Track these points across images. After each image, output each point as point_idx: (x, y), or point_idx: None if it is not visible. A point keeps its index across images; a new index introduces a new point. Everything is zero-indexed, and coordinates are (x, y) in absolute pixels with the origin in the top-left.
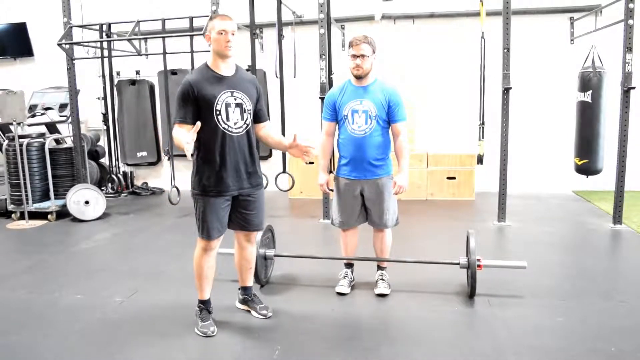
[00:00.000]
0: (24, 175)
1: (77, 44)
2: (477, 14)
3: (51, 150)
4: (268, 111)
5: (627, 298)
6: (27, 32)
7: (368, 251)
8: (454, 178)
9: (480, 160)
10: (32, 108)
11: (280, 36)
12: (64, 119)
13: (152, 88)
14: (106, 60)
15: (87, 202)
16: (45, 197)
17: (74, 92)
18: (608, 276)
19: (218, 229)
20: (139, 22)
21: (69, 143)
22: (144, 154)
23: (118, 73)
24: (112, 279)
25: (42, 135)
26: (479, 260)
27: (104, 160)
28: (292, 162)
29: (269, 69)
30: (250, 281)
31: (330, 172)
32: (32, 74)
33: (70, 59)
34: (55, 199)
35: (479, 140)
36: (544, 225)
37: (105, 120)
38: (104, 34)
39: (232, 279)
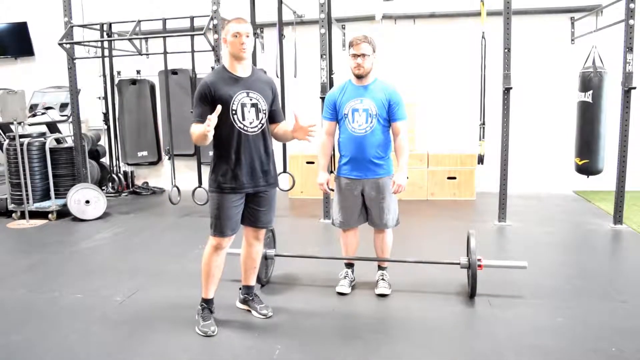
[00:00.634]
0: (24, 174)
1: (78, 43)
2: (478, 14)
3: (52, 150)
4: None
5: (627, 298)
6: (27, 31)
7: (368, 251)
8: (454, 178)
9: (480, 160)
10: (33, 107)
11: (281, 36)
12: (64, 118)
13: (152, 88)
14: (107, 60)
15: (87, 202)
16: (45, 196)
17: (74, 91)
18: (608, 276)
19: (231, 226)
20: (139, 21)
21: (69, 142)
22: (145, 153)
23: (119, 73)
24: (112, 278)
25: (42, 134)
26: (479, 260)
27: (105, 160)
28: (293, 162)
29: (269, 69)
30: (253, 280)
31: (331, 172)
32: (32, 73)
33: (71, 58)
34: (55, 198)
35: (480, 140)
36: (545, 225)
37: (106, 120)
38: (104, 33)
39: (233, 278)
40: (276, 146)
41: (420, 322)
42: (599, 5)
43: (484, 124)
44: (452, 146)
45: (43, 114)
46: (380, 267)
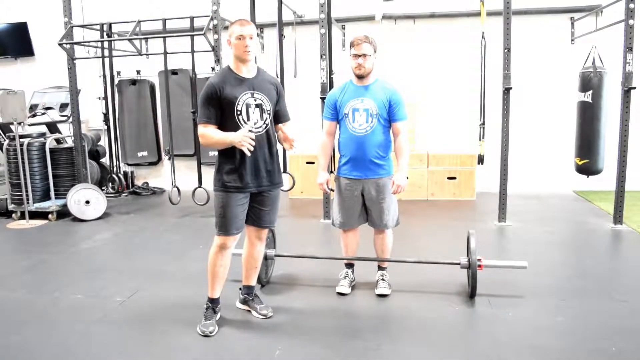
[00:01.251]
0: (24, 174)
1: (78, 43)
2: (478, 14)
3: (52, 150)
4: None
5: (627, 298)
6: (27, 31)
7: (368, 251)
8: (454, 178)
9: (480, 160)
10: (33, 108)
11: (281, 36)
12: (64, 118)
13: (152, 88)
14: (107, 60)
15: (87, 202)
16: (45, 196)
17: (74, 91)
18: (609, 276)
19: (236, 225)
20: (139, 22)
21: (69, 143)
22: (145, 153)
23: (119, 73)
24: (112, 278)
25: (42, 134)
26: (479, 260)
27: (105, 160)
28: (293, 162)
29: (269, 69)
30: (253, 280)
31: (331, 172)
32: (32, 73)
33: (71, 58)
34: (55, 198)
35: (480, 140)
36: (545, 225)
37: (106, 120)
38: (104, 33)
39: (233, 279)
40: (277, 146)
41: (420, 322)
42: (599, 6)
43: (484, 124)
44: (452, 146)
45: (43, 114)
46: (380, 268)
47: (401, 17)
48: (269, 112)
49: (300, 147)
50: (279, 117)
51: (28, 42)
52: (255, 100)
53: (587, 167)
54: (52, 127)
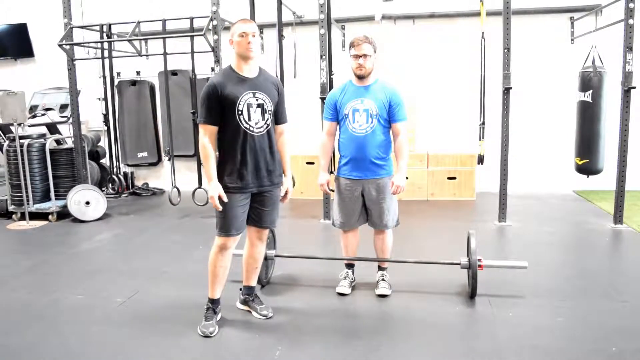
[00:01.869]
0: (24, 175)
1: (78, 44)
2: (478, 14)
3: (52, 151)
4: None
5: (628, 298)
6: (27, 32)
7: (369, 251)
8: (454, 178)
9: (480, 160)
10: (33, 109)
11: (280, 36)
12: (64, 119)
13: (152, 89)
14: (107, 61)
15: (87, 203)
16: (45, 197)
17: (74, 92)
18: (609, 276)
19: (236, 226)
20: (139, 22)
21: (69, 144)
22: (145, 154)
23: (118, 74)
24: (112, 279)
25: (42, 135)
26: (479, 260)
27: (105, 161)
28: (293, 162)
29: (269, 70)
30: (254, 281)
31: (331, 172)
32: (32, 74)
33: (71, 59)
34: (55, 199)
35: (480, 140)
36: (545, 225)
37: (106, 121)
38: (104, 34)
39: (233, 279)
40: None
41: (420, 322)
42: (599, 5)
43: (483, 124)
44: (452, 146)
45: (43, 115)
46: (380, 268)
47: (401, 17)
48: (270, 112)
49: (301, 147)
50: (276, 118)
51: (28, 43)
52: (257, 100)
53: (587, 166)
54: (52, 128)
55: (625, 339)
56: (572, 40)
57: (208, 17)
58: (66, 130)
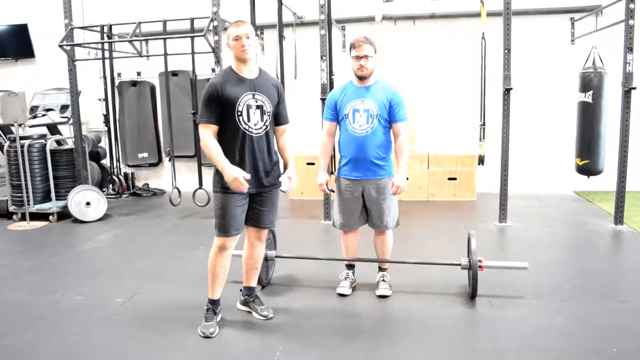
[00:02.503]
0: (25, 176)
1: (79, 45)
2: (478, 15)
3: (52, 152)
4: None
5: (628, 298)
6: (28, 33)
7: (369, 252)
8: (455, 179)
9: (481, 160)
10: (34, 109)
11: (281, 37)
12: (65, 120)
13: (153, 89)
14: (107, 62)
15: (88, 203)
16: (46, 198)
17: (75, 93)
18: (609, 277)
19: (235, 226)
20: (139, 23)
21: (70, 144)
22: (145, 155)
23: (119, 74)
24: (113, 280)
25: (43, 136)
26: (480, 261)
27: (105, 162)
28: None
29: (270, 70)
30: (254, 282)
31: (331, 173)
32: (33, 75)
33: (72, 60)
34: (56, 200)
35: (480, 140)
36: (545, 225)
37: (107, 122)
38: (105, 35)
39: (233, 280)
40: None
41: (421, 323)
42: (599, 6)
43: (484, 124)
44: (452, 147)
45: (44, 115)
46: (380, 269)
47: (401, 17)
48: (269, 113)
49: (301, 147)
50: (278, 119)
51: (28, 44)
52: (256, 101)
53: (588, 167)
54: (53, 128)
55: (626, 339)
56: (572, 40)
57: (208, 17)
58: (67, 131)
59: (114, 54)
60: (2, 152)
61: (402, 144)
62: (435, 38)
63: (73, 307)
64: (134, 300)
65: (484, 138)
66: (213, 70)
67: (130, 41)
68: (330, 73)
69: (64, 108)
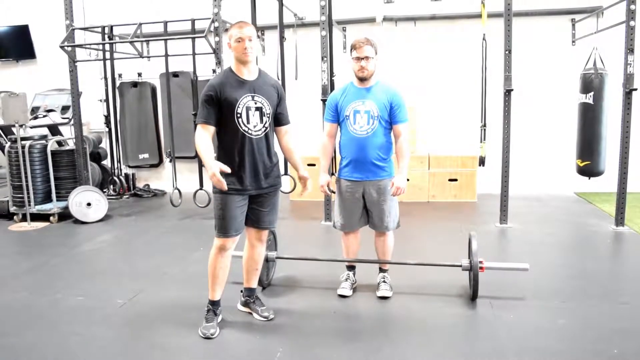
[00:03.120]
0: (26, 177)
1: (79, 46)
2: (479, 16)
3: (53, 152)
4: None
5: (629, 300)
6: (29, 34)
7: (370, 253)
8: (455, 180)
9: (482, 162)
10: (35, 110)
11: (281, 38)
12: (66, 121)
13: (153, 90)
14: (108, 63)
15: (89, 204)
16: (47, 199)
17: (76, 94)
18: (610, 278)
19: (235, 227)
20: (140, 24)
21: (71, 145)
22: (146, 156)
23: (120, 75)
24: (113, 280)
25: (44, 137)
26: (481, 262)
27: (106, 162)
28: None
29: (270, 71)
30: (254, 283)
31: (332, 174)
32: (34, 76)
33: (73, 61)
34: (57, 201)
35: (481, 142)
36: (546, 227)
37: (107, 123)
38: (106, 36)
39: (235, 281)
40: (277, 148)
41: (421, 324)
42: (600, 7)
43: (485, 125)
44: (453, 148)
45: (44, 116)
46: (381, 270)
47: (402, 19)
48: (268, 115)
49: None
50: (279, 120)
51: (29, 45)
52: (255, 103)
53: (589, 168)
54: (54, 129)
55: (627, 340)
56: (573, 42)
57: (209, 18)
58: (67, 132)
59: (115, 55)
60: (3, 152)
61: (403, 145)
62: (436, 39)
63: (74, 307)
64: (135, 300)
65: (484, 139)
66: (214, 71)
67: (131, 42)
68: (331, 74)
69: (64, 109)
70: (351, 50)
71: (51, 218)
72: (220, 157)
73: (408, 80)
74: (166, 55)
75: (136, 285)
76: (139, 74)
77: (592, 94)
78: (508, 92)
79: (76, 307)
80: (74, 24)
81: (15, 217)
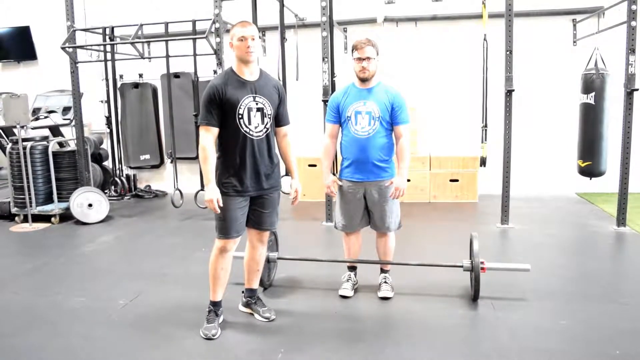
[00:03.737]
0: (27, 178)
1: (81, 47)
2: (480, 17)
3: (54, 153)
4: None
5: (631, 300)
6: (30, 35)
7: (371, 254)
8: (457, 180)
9: (483, 162)
10: (36, 111)
11: (282, 39)
12: (67, 122)
13: (155, 91)
14: (109, 64)
15: (90, 205)
16: (48, 200)
17: (77, 95)
18: (612, 279)
19: (236, 228)
20: (141, 25)
21: (72, 146)
22: (147, 156)
23: (121, 76)
24: (115, 281)
25: (45, 138)
26: (482, 263)
27: (107, 163)
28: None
29: (271, 72)
30: (256, 283)
31: (333, 174)
32: (35, 77)
33: (74, 62)
34: (58, 202)
35: (482, 142)
36: (548, 227)
37: (109, 123)
38: (107, 37)
39: (236, 282)
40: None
41: (423, 324)
42: (601, 7)
43: (486, 126)
44: (454, 148)
45: (46, 117)
46: (382, 270)
47: (403, 19)
48: (270, 116)
49: (302, 149)
50: (278, 120)
51: (31, 46)
52: (257, 104)
53: (590, 169)
54: (55, 130)
55: (629, 341)
56: (574, 42)
57: (210, 19)
58: (69, 133)
59: (116, 56)
60: (5, 154)
61: (404, 147)
62: (437, 40)
63: (75, 308)
64: (136, 301)
65: (485, 140)
66: (215, 72)
67: (132, 43)
68: (332, 75)
69: (66, 110)
70: (352, 51)
71: (52, 219)
72: (221, 159)
73: (409, 81)
74: (167, 56)
75: (137, 286)
76: (140, 75)
77: (593, 94)
78: (509, 93)
79: (77, 307)
80: (75, 25)
81: (16, 218)
